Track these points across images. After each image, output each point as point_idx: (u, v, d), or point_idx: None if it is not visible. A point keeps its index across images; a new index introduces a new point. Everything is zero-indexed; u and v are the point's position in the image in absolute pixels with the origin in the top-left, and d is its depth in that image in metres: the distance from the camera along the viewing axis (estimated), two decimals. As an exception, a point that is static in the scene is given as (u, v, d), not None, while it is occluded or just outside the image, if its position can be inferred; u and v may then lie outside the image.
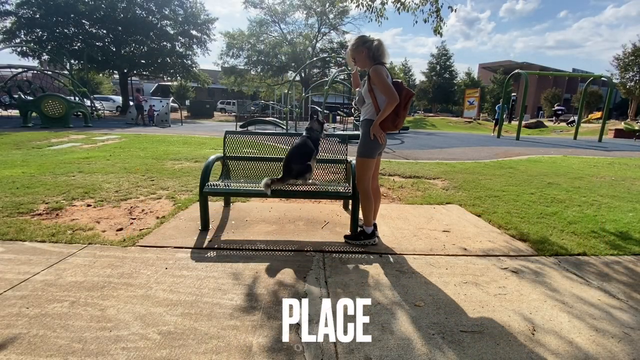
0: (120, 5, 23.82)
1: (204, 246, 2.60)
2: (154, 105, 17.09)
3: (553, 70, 47.93)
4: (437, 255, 2.57)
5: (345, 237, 2.79)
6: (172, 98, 23.33)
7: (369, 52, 2.49)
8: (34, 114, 13.19)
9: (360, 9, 5.26)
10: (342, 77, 24.84)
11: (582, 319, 1.82)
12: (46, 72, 19.45)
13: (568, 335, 1.67)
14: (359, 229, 2.76)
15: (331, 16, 32.19)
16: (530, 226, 3.21)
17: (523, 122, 17.62)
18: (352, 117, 17.01)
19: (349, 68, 2.42)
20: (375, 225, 2.79)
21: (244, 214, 3.39)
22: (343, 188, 2.94)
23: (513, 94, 23.97)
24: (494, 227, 3.21)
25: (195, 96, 39.98)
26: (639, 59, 29.23)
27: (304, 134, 3.00)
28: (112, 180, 4.47)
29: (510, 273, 2.31)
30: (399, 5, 5.08)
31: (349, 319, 1.75)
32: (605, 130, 15.91)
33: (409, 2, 5.06)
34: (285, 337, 1.59)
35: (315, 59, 29.14)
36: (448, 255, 2.58)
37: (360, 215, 2.77)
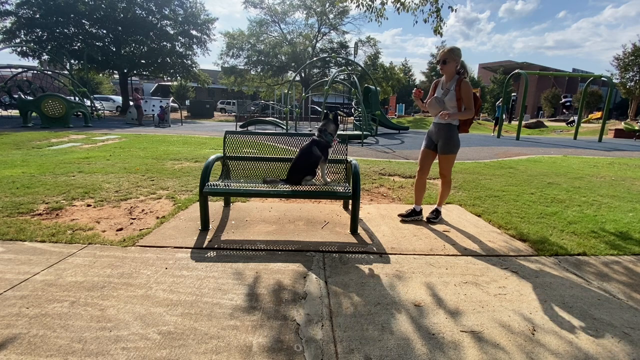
0: (120, 5, 23.81)
1: (204, 246, 2.60)
2: (162, 107, 17.04)
3: (553, 70, 47.94)
4: (437, 255, 2.57)
5: (429, 218, 3.29)
6: (172, 98, 23.34)
7: (458, 65, 3.02)
8: (34, 114, 13.20)
9: (360, 9, 5.28)
10: (342, 77, 24.84)
11: (582, 319, 1.82)
12: (46, 72, 19.43)
13: (568, 335, 1.67)
14: (436, 209, 3.35)
15: (331, 16, 32.18)
16: (530, 226, 3.21)
17: (523, 122, 17.62)
18: (352, 117, 17.00)
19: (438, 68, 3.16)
20: (437, 210, 3.36)
21: (244, 214, 3.39)
22: (343, 188, 2.94)
23: (513, 94, 23.94)
24: (494, 227, 3.21)
25: (195, 96, 40.01)
26: (639, 59, 29.23)
27: (315, 136, 3.01)
28: (112, 180, 4.47)
29: (510, 273, 2.31)
30: (398, 5, 5.08)
31: (349, 318, 1.75)
32: (605, 130, 15.91)
33: (409, 2, 5.06)
34: (285, 337, 1.59)
35: (315, 59, 29.14)
36: (448, 255, 2.58)
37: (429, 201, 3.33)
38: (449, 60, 2.99)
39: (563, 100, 30.11)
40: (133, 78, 30.88)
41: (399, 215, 3.36)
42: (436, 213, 3.32)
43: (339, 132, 3.17)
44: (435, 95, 3.18)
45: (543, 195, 4.36)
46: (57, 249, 2.46)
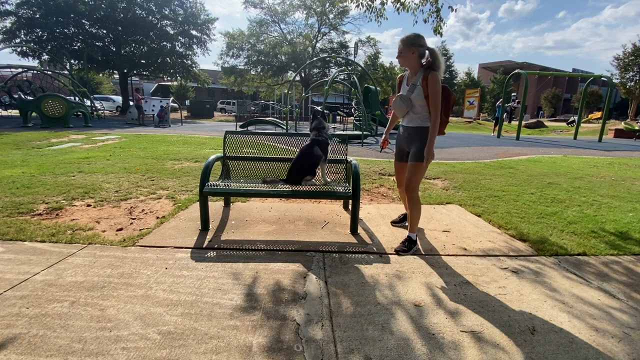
0: (120, 5, 23.80)
1: (204, 246, 2.60)
2: (162, 107, 17.05)
3: (553, 70, 47.94)
4: (437, 255, 2.57)
5: (398, 250, 2.60)
6: (172, 98, 23.33)
7: (422, 55, 2.48)
8: (34, 114, 13.19)
9: (360, 9, 5.28)
10: (342, 77, 24.83)
11: (582, 319, 1.82)
12: (46, 72, 19.42)
13: (568, 335, 1.67)
14: (408, 237, 2.67)
15: (331, 16, 32.17)
16: (530, 226, 3.21)
17: (523, 122, 17.62)
18: (352, 117, 17.00)
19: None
20: (410, 239, 2.69)
21: (244, 214, 3.39)
22: (343, 188, 2.94)
23: (513, 94, 23.90)
24: (494, 227, 3.21)
25: (195, 96, 39.99)
26: (639, 59, 29.23)
27: (312, 135, 3.00)
28: (112, 180, 4.47)
29: (510, 273, 2.31)
30: (398, 5, 5.08)
31: (349, 318, 1.75)
32: (605, 130, 15.91)
33: (409, 2, 5.06)
34: (285, 337, 1.59)
35: (315, 59, 29.13)
36: (448, 255, 2.58)
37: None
38: (404, 52, 2.47)
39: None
40: (133, 78, 30.84)
41: (391, 222, 3.20)
42: (408, 243, 2.62)
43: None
44: (400, 93, 2.67)
45: (543, 195, 4.36)
46: (57, 249, 2.46)
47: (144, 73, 28.89)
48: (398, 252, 2.59)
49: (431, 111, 2.45)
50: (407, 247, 2.61)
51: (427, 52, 2.48)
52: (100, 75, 32.19)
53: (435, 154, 2.56)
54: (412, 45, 2.44)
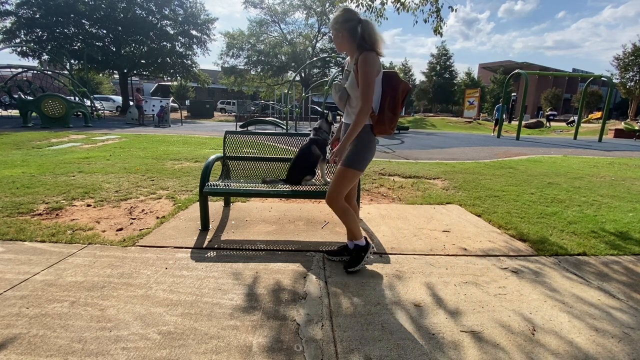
0: (120, 5, 23.82)
1: (204, 246, 2.60)
2: (162, 107, 17.05)
3: (553, 70, 47.94)
4: (437, 255, 2.57)
5: (346, 266, 2.28)
6: (172, 98, 23.33)
7: (354, 35, 1.97)
8: (34, 114, 13.19)
9: (360, 9, 5.25)
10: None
11: (582, 319, 1.82)
12: (46, 72, 19.43)
13: (568, 335, 1.67)
14: (355, 247, 2.27)
15: (331, 16, 32.18)
16: (530, 226, 3.21)
17: (523, 122, 17.62)
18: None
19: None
20: (351, 246, 2.31)
21: (244, 214, 3.39)
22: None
23: (513, 94, 23.92)
24: (494, 227, 3.21)
25: (195, 96, 40.00)
26: (639, 59, 29.24)
27: (311, 135, 3.00)
28: (112, 180, 4.47)
29: (510, 273, 2.31)
30: (398, 5, 5.08)
31: (349, 318, 1.75)
32: (605, 130, 15.92)
33: (409, 2, 5.06)
34: (285, 337, 1.59)
35: (315, 59, 29.14)
36: (448, 255, 2.58)
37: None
38: (334, 37, 2.06)
39: (549, 113, 30.36)
40: (133, 78, 30.87)
41: (327, 252, 2.50)
42: (356, 254, 2.25)
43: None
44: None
45: (543, 195, 4.36)
46: (57, 249, 2.46)
47: (144, 73, 28.91)
48: (346, 270, 2.24)
49: (361, 99, 1.95)
50: (356, 259, 2.24)
51: (359, 27, 1.97)
52: (100, 75, 32.20)
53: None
54: (337, 25, 2.00)
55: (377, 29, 1.99)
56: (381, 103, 2.06)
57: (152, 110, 17.55)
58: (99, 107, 21.43)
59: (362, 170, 2.20)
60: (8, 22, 21.93)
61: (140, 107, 16.66)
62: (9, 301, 1.81)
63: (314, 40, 32.74)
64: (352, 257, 2.29)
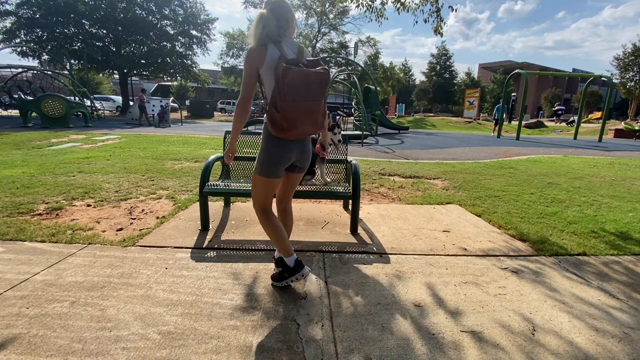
0: (120, 5, 23.81)
1: (204, 246, 2.60)
2: (163, 107, 17.02)
3: (553, 70, 47.94)
4: (437, 255, 2.57)
5: (272, 277, 2.06)
6: (172, 98, 23.32)
7: (256, 29, 1.75)
8: (34, 114, 13.19)
9: (360, 9, 5.27)
10: (342, 77, 24.83)
11: (582, 319, 1.82)
12: (46, 72, 19.43)
13: (568, 335, 1.67)
14: (279, 259, 2.04)
15: (331, 16, 32.19)
16: (530, 226, 3.21)
17: (523, 122, 17.62)
18: (352, 117, 17.00)
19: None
20: (282, 260, 2.00)
21: (244, 214, 3.39)
22: (343, 188, 2.94)
23: (513, 94, 23.94)
24: (494, 227, 3.21)
25: (195, 96, 39.97)
26: (639, 59, 29.24)
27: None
28: (112, 180, 4.47)
29: (510, 273, 2.31)
30: (398, 5, 5.08)
31: (349, 318, 1.75)
32: (605, 130, 15.91)
33: (409, 2, 5.06)
34: (285, 337, 1.59)
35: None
36: (448, 255, 2.58)
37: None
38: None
39: (556, 107, 30.40)
40: (133, 78, 30.86)
41: (272, 277, 2.09)
42: (282, 269, 1.99)
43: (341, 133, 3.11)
44: None
45: (543, 195, 4.36)
46: (57, 249, 2.46)
47: (144, 73, 28.90)
48: (273, 282, 2.05)
49: (241, 93, 1.81)
50: (279, 275, 2.01)
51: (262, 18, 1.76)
52: (100, 75, 32.23)
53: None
54: (261, 14, 1.77)
55: (267, 17, 1.75)
56: (271, 97, 1.75)
57: (152, 110, 17.55)
58: (99, 107, 21.42)
59: (268, 177, 1.86)
60: (8, 22, 21.93)
61: (144, 108, 16.64)
62: (9, 301, 1.81)
63: (314, 40, 32.77)
64: (277, 273, 2.04)
